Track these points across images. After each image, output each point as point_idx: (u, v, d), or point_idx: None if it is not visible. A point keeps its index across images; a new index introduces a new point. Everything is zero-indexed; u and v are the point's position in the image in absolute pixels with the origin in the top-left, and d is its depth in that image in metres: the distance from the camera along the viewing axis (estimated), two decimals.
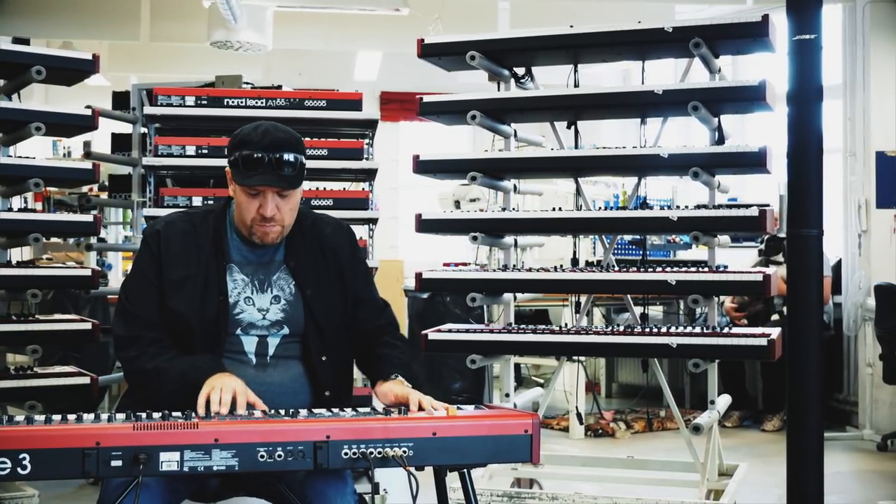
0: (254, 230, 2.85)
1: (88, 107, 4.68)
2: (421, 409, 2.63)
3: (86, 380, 4.66)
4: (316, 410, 2.57)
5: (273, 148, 2.78)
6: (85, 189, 8.36)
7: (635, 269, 4.21)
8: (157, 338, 2.80)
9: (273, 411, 2.55)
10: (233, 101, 5.17)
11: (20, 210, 4.80)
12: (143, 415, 2.40)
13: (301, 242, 2.96)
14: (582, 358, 6.60)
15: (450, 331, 4.34)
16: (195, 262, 2.85)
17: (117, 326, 2.86)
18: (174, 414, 2.43)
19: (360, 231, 5.07)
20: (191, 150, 5.10)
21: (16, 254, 6.12)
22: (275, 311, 2.86)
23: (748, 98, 4.10)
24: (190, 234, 2.89)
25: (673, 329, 4.08)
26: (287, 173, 2.79)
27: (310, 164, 4.99)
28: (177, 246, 2.87)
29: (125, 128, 6.19)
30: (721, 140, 4.27)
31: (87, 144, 9.06)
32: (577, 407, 6.91)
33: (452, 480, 2.63)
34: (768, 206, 4.64)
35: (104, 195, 7.62)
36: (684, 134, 9.71)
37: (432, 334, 4.29)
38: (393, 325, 3.06)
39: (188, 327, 2.80)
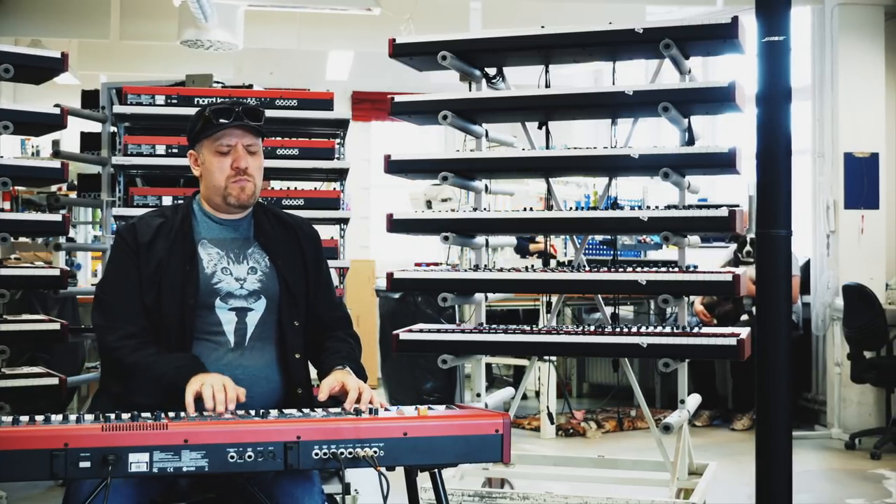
0: (229, 189, 2.96)
1: (57, 105, 4.63)
2: (357, 397, 2.67)
3: (54, 381, 4.62)
4: (286, 410, 2.56)
5: (238, 103, 3.05)
6: (54, 188, 8.30)
7: (606, 269, 4.22)
8: (135, 331, 2.82)
9: (243, 412, 2.54)
10: (203, 101, 5.13)
11: None
12: (112, 416, 2.38)
13: (267, 222, 3.08)
14: (553, 358, 6.63)
15: (421, 331, 4.34)
16: (169, 244, 2.92)
17: (95, 317, 2.91)
18: (143, 414, 2.42)
19: (331, 231, 5.09)
20: (161, 149, 5.07)
21: None
22: (252, 281, 2.95)
23: (718, 99, 4.12)
24: (163, 225, 2.97)
25: (643, 329, 4.09)
26: (255, 120, 2.98)
27: (281, 163, 5.08)
28: (151, 236, 2.93)
29: (94, 127, 6.14)
30: (691, 141, 4.29)
31: (55, 143, 9.01)
32: (548, 407, 6.93)
33: (423, 480, 2.63)
34: (738, 206, 4.65)
35: (73, 194, 7.56)
36: (655, 134, 9.76)
37: (404, 334, 4.29)
38: (347, 319, 3.16)
39: (169, 309, 2.84)
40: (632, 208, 4.60)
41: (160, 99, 5.14)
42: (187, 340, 2.84)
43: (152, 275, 2.87)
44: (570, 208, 6.32)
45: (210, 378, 2.63)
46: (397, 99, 4.50)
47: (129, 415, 2.39)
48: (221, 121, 2.94)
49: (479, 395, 4.44)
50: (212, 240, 2.98)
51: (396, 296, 7.82)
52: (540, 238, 7.92)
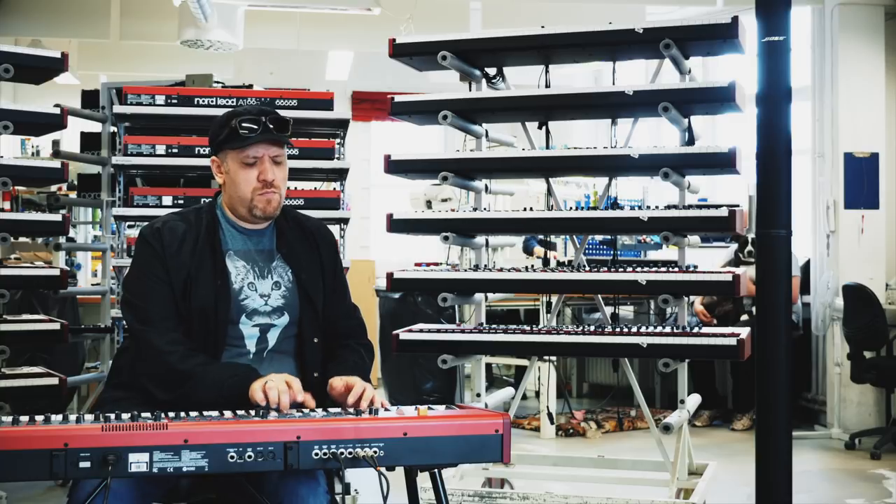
0: (255, 202, 2.92)
1: (57, 105, 4.63)
2: (360, 396, 2.67)
3: (54, 381, 4.62)
4: (286, 410, 2.56)
5: (264, 112, 2.94)
6: (54, 188, 8.30)
7: (606, 269, 4.22)
8: (178, 337, 2.81)
9: (243, 411, 2.54)
10: (203, 101, 5.15)
11: None
12: (112, 416, 2.38)
13: (288, 230, 3.05)
14: (553, 358, 6.63)
15: (421, 331, 4.34)
16: (197, 255, 2.89)
17: (130, 320, 2.89)
18: (143, 414, 2.41)
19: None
20: (161, 149, 5.07)
21: None
22: (275, 297, 2.93)
23: (718, 99, 4.12)
24: (187, 232, 2.93)
25: (643, 329, 4.09)
26: (282, 132, 2.93)
27: None
28: (178, 242, 2.90)
29: (94, 126, 6.15)
30: (691, 141, 4.29)
31: (56, 143, 9.02)
32: (548, 407, 6.92)
33: (423, 480, 2.63)
34: (738, 206, 4.65)
35: (73, 194, 7.57)
36: (655, 134, 9.76)
37: (404, 334, 4.29)
38: (362, 327, 3.12)
39: (199, 323, 2.83)
40: (632, 208, 4.60)
41: (160, 99, 5.14)
42: (218, 352, 2.84)
43: (182, 286, 2.85)
44: (570, 208, 6.32)
45: (274, 377, 2.66)
46: (397, 99, 4.50)
47: (129, 415, 2.39)
48: (248, 133, 2.90)
49: (479, 395, 4.44)
50: (237, 251, 2.96)
51: (396, 296, 7.82)
52: (539, 251, 7.91)
